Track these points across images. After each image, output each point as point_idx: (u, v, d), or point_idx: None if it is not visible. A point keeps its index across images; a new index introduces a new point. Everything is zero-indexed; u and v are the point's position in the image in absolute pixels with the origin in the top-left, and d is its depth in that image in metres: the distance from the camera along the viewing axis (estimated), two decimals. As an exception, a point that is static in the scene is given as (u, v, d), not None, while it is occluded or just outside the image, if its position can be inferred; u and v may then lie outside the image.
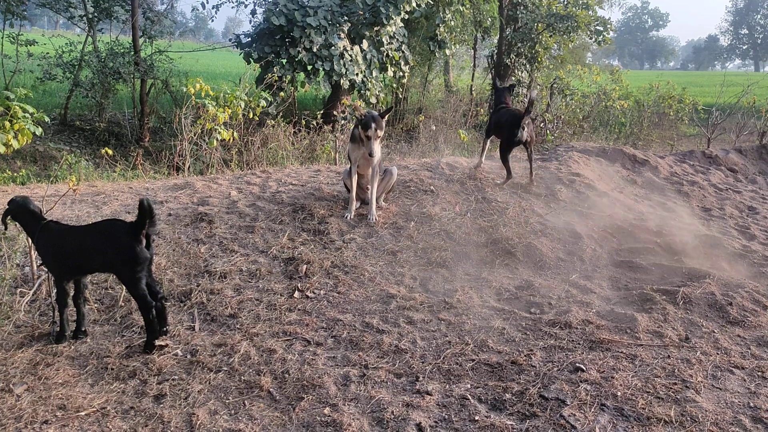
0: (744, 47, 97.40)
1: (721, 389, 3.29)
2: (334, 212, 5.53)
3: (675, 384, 3.28)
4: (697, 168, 8.99)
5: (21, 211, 3.57)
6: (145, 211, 3.28)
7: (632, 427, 2.91)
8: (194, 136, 7.78)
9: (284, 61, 11.99)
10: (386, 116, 5.31)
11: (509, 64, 17.08)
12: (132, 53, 12.50)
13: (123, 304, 3.97)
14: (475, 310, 4.16)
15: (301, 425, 2.89)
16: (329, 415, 2.95)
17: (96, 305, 3.96)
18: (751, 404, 3.15)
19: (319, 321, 3.92)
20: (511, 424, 2.92)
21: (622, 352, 3.63)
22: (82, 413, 2.90)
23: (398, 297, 4.29)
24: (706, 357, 3.62)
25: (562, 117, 14.39)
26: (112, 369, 3.29)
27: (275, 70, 11.36)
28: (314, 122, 10.14)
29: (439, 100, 17.11)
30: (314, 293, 4.30)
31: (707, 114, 13.46)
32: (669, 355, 3.62)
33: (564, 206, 6.25)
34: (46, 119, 6.62)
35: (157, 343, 3.48)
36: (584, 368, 3.41)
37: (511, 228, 5.43)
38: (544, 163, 7.78)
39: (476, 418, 2.96)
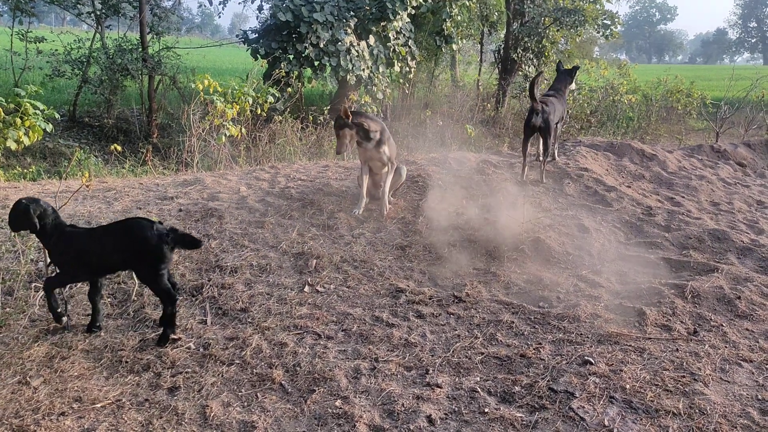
0: (753, 40, 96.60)
1: (729, 382, 3.31)
2: (342, 207, 5.56)
3: (683, 377, 3.30)
4: (706, 162, 8.95)
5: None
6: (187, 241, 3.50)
7: (641, 419, 2.94)
8: (202, 132, 7.83)
9: (291, 56, 12.00)
10: (358, 122, 5.31)
11: (516, 58, 17.02)
12: (140, 50, 12.56)
13: (135, 298, 4.02)
14: (484, 303, 4.19)
15: (313, 417, 2.93)
16: (340, 408, 2.98)
17: (109, 300, 4.02)
18: (760, 397, 3.17)
19: (330, 315, 3.95)
20: (521, 417, 2.95)
21: (630, 346, 3.65)
22: (98, 405, 2.96)
23: (407, 291, 4.33)
24: (715, 350, 3.63)
25: (570, 111, 14.35)
26: (127, 362, 3.34)
27: (282, 65, 11.38)
28: (321, 118, 10.17)
29: (446, 95, 17.07)
30: (324, 287, 4.33)
31: (716, 108, 13.40)
32: (677, 349, 3.63)
33: (572, 201, 6.26)
34: (57, 116, 6.67)
35: (171, 336, 3.53)
36: (593, 361, 3.43)
37: (520, 223, 5.44)
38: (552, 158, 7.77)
39: (486, 410, 3.00)
